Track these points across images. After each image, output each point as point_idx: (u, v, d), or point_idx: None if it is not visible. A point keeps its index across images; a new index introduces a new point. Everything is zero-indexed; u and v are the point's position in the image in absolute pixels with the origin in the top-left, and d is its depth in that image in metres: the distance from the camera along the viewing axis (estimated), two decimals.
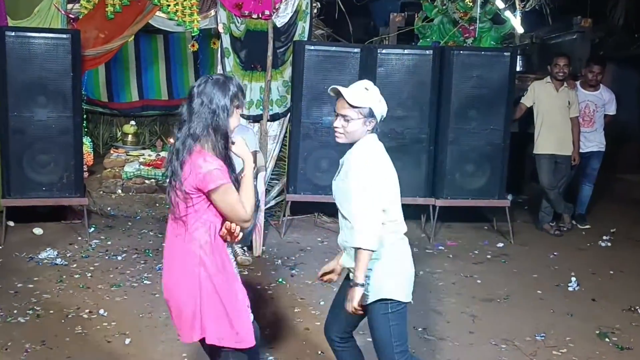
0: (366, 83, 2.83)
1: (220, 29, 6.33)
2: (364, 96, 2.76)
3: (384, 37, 7.61)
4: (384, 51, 6.17)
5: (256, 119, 6.48)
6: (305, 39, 6.44)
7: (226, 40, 6.36)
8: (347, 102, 2.74)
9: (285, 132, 6.58)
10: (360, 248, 2.67)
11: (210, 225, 2.70)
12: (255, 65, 6.42)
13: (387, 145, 6.41)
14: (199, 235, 2.69)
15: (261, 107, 6.47)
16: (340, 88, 2.78)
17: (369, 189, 2.69)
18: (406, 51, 6.22)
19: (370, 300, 2.79)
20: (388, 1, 8.84)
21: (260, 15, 6.29)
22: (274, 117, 6.53)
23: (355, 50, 6.12)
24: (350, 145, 2.82)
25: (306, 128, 6.15)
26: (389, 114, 6.39)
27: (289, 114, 6.46)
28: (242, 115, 6.38)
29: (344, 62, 6.08)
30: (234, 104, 2.70)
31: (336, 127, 2.79)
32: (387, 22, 7.80)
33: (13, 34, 5.51)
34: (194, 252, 2.69)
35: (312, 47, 6.12)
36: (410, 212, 6.48)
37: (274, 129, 6.57)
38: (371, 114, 2.77)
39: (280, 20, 6.40)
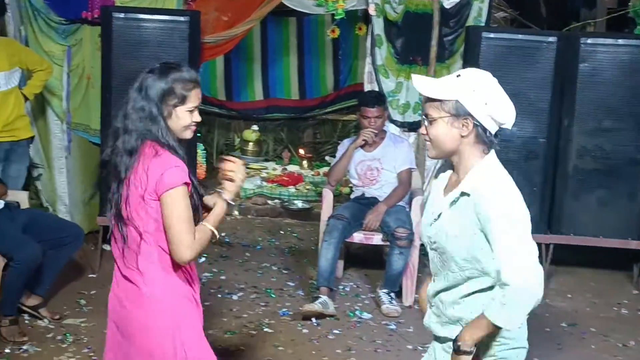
0: (468, 70, 2.56)
1: (372, 11, 6.39)
2: (448, 84, 2.49)
3: (589, 22, 7.39)
4: (589, 41, 5.96)
5: (413, 127, 6.49)
6: (482, 24, 6.39)
7: (379, 25, 6.42)
8: (427, 98, 2.51)
9: None
10: (518, 289, 2.32)
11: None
12: (415, 58, 6.45)
13: (590, 167, 6.22)
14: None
15: (420, 111, 6.43)
16: (414, 75, 2.59)
17: (521, 222, 2.41)
18: (620, 41, 6.00)
19: None
20: None
21: None
22: None
23: (550, 39, 5.94)
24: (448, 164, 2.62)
25: None
26: (596, 126, 6.17)
27: None
28: (395, 122, 6.40)
29: (535, 54, 5.91)
30: (170, 102, 2.79)
31: (422, 134, 2.59)
32: (592, 2, 7.56)
33: (122, 15, 5.79)
34: None
35: (492, 35, 5.99)
36: (618, 260, 6.30)
37: None
38: (461, 111, 2.45)
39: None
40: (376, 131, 5.70)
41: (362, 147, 5.75)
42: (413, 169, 5.84)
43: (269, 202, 7.99)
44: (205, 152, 8.87)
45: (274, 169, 8.78)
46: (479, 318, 2.44)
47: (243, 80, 9.70)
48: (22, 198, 5.43)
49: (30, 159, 6.28)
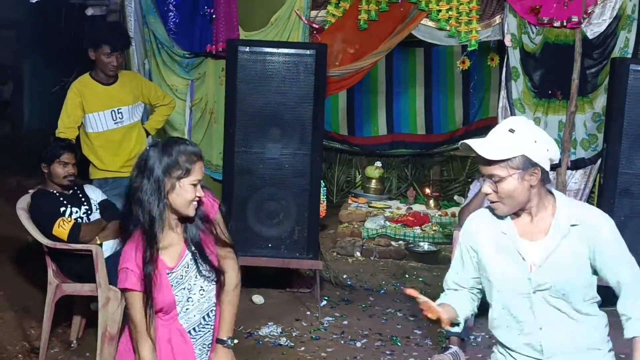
0: (515, 121, 2.74)
1: (508, 42, 6.39)
2: (508, 142, 2.68)
3: None
4: None
5: (552, 165, 6.37)
6: (629, 56, 6.31)
7: (515, 57, 6.41)
8: (489, 160, 2.67)
9: (594, 186, 6.42)
10: None
11: None
12: (555, 92, 6.42)
13: None
14: None
15: (560, 149, 6.35)
16: (471, 141, 2.71)
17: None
18: None
19: None
20: None
21: (564, 23, 6.26)
22: (577, 164, 6.47)
23: None
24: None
25: (626, 182, 5.95)
26: None
27: (598, 161, 6.34)
28: None
29: None
30: (174, 175, 2.89)
31: (487, 195, 2.75)
32: None
33: (247, 49, 6.02)
34: None
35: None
36: None
37: (577, 180, 6.50)
38: (528, 163, 2.67)
39: (593, 29, 6.34)
40: None
41: None
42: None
43: (393, 243, 8.02)
44: (325, 189, 8.96)
45: (398, 208, 8.81)
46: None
47: (367, 114, 9.82)
48: None
49: None
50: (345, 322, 6.03)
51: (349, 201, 9.03)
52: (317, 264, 6.14)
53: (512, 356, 2.90)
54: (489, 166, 2.71)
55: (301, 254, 6.08)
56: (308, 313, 6.14)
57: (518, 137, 2.69)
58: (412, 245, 7.93)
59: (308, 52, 6.02)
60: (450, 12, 6.33)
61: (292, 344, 5.53)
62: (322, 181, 8.80)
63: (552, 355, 2.81)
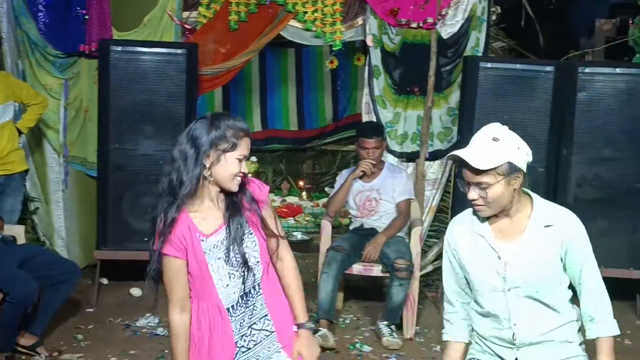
0: (493, 130, 2.77)
1: (369, 42, 6.46)
2: (495, 152, 2.72)
3: (587, 51, 7.47)
4: (587, 70, 6.04)
5: (411, 157, 6.55)
6: (480, 54, 6.46)
7: (376, 56, 6.49)
8: (474, 168, 2.72)
9: (450, 176, 6.56)
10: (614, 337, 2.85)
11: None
12: (413, 88, 6.50)
13: (590, 197, 6.22)
14: None
15: (418, 141, 6.52)
16: (461, 154, 2.73)
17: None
18: (618, 70, 6.05)
19: None
20: (592, 3, 8.67)
21: (421, 24, 6.38)
22: (434, 156, 6.55)
23: (548, 68, 6.04)
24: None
25: None
26: (595, 155, 6.20)
27: None
28: (393, 152, 6.44)
29: (532, 83, 6.02)
30: (220, 147, 2.80)
31: (473, 200, 2.79)
32: (591, 31, 7.65)
33: (119, 48, 5.92)
34: None
35: (489, 65, 6.09)
36: (622, 289, 6.28)
37: (434, 170, 6.59)
38: (513, 169, 2.73)
39: (447, 29, 6.46)
40: (374, 162, 5.73)
41: (360, 177, 5.77)
42: (412, 199, 5.87)
43: None
44: None
45: (273, 201, 8.81)
46: (608, 342, 2.85)
47: (241, 111, 9.76)
48: (18, 232, 5.46)
49: (27, 192, 6.31)
50: None
51: None
52: None
53: (487, 345, 2.96)
54: (477, 175, 2.73)
55: None
56: None
57: (503, 146, 2.73)
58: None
59: (179, 51, 5.96)
60: (315, 14, 6.36)
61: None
62: None
63: (524, 347, 2.87)
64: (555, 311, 2.86)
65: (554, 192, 6.03)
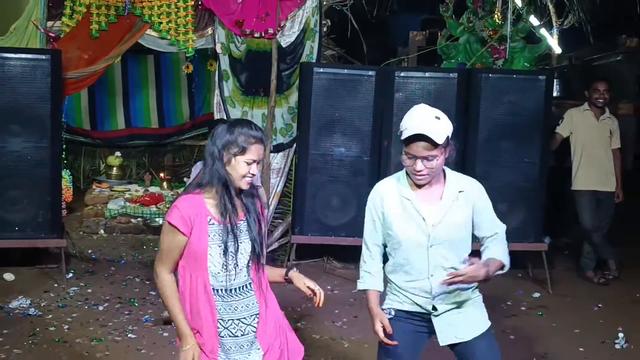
0: (430, 110, 2.87)
1: (218, 49, 6.44)
2: (443, 128, 2.84)
3: (403, 58, 7.71)
4: (402, 74, 6.24)
5: None
6: (314, 61, 6.54)
7: (225, 62, 6.46)
8: (433, 143, 2.80)
9: (291, 165, 6.64)
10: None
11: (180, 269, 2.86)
12: (258, 90, 6.52)
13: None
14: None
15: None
16: (424, 130, 2.80)
17: None
18: (428, 74, 6.27)
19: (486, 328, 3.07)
20: (407, 18, 8.96)
21: (263, 34, 6.41)
22: (277, 148, 6.61)
23: (370, 73, 6.19)
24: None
25: (314, 160, 6.21)
26: None
27: (294, 145, 6.54)
28: None
29: (357, 86, 6.15)
30: (231, 151, 2.78)
31: (419, 171, 2.86)
32: (406, 42, 7.89)
33: None
34: None
35: (321, 70, 6.19)
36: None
37: (278, 161, 6.64)
38: (449, 142, 2.89)
39: (286, 39, 6.50)
40: None
41: None
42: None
43: (132, 220, 7.87)
44: (71, 176, 8.62)
45: (137, 191, 8.64)
46: (495, 261, 2.95)
47: (106, 111, 9.55)
48: None
49: None
50: (90, 290, 5.82)
51: (94, 186, 8.69)
52: (61, 242, 5.92)
53: (405, 296, 3.00)
54: (429, 149, 2.81)
55: (46, 234, 5.80)
56: (56, 285, 5.85)
57: (444, 123, 2.84)
58: (148, 221, 7.83)
59: (44, 57, 5.75)
60: (170, 24, 6.26)
61: (41, 313, 5.25)
62: (68, 170, 8.47)
63: (437, 295, 2.96)
64: (462, 263, 2.94)
65: (377, 177, 6.17)
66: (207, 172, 2.81)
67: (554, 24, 7.51)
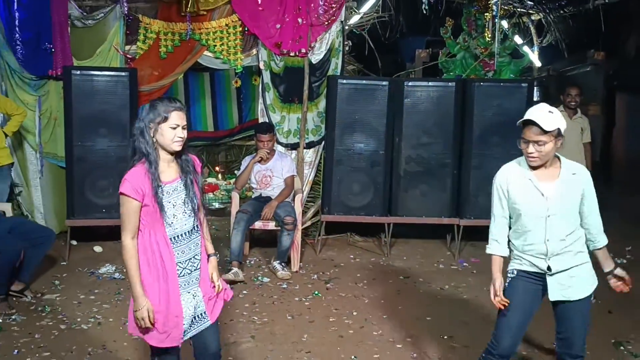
0: (546, 106, 2.90)
1: (261, 66, 6.51)
2: (551, 120, 2.85)
3: (411, 71, 7.70)
4: (410, 84, 6.24)
5: (293, 146, 6.61)
6: (338, 74, 6.55)
7: (266, 76, 6.53)
8: (541, 129, 2.83)
9: (320, 159, 6.67)
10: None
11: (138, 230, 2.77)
12: (293, 98, 6.56)
13: (414, 169, 6.42)
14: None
15: (298, 135, 6.61)
16: (534, 117, 2.85)
17: None
18: (431, 83, 6.27)
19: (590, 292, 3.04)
20: (414, 39, 8.96)
21: (297, 53, 6.45)
22: (309, 145, 6.64)
23: (384, 83, 6.19)
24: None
25: (339, 154, 6.23)
26: (417, 141, 6.41)
27: (323, 142, 6.56)
28: (281, 144, 6.53)
29: (374, 94, 6.15)
30: (156, 121, 2.71)
31: (531, 153, 2.90)
32: (413, 58, 7.89)
33: (78, 72, 5.77)
34: None
35: (344, 81, 6.21)
36: (436, 231, 6.62)
37: (310, 155, 6.67)
38: (559, 133, 2.88)
39: (316, 57, 6.54)
40: (268, 150, 5.79)
41: (259, 162, 5.82)
42: (295, 175, 5.97)
43: None
44: None
45: None
46: (605, 249, 3.06)
47: None
48: (6, 208, 5.29)
49: (12, 180, 6.08)
50: None
51: None
52: None
53: (524, 258, 3.03)
54: (539, 135, 2.84)
55: None
56: None
57: (556, 116, 2.86)
58: (207, 204, 7.92)
59: (124, 74, 5.86)
60: (222, 47, 6.35)
61: (123, 277, 5.37)
62: None
63: (552, 257, 2.97)
64: (573, 232, 2.97)
65: (390, 167, 6.24)
66: (136, 147, 2.72)
67: (535, 42, 7.48)
